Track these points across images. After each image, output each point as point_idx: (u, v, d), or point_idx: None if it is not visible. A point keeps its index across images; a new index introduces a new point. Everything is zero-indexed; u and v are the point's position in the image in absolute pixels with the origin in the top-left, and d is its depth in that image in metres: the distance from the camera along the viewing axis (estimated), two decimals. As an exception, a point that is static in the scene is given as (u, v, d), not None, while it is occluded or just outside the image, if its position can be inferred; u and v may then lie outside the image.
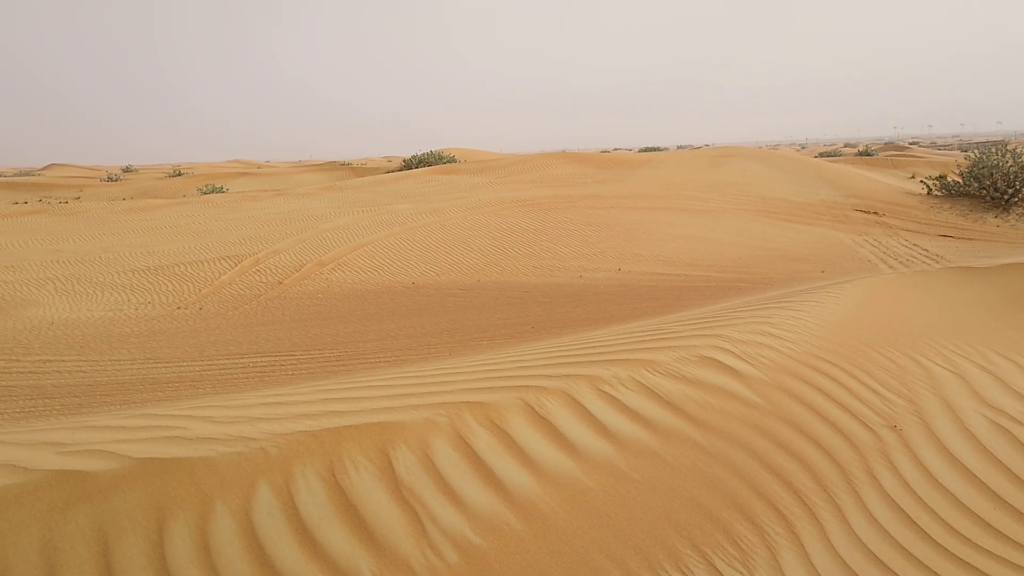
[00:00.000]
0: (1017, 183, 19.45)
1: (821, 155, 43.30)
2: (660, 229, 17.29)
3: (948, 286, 5.46)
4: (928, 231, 18.00)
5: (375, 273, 13.97)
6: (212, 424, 2.87)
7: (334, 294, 12.57)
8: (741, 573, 2.75)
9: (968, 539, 3.07)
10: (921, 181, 22.76)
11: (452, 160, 37.08)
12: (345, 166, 48.26)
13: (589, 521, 2.74)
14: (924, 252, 15.19)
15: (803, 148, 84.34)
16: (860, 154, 42.61)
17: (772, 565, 2.81)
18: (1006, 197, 19.43)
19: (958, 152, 33.35)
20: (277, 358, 7.91)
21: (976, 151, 22.07)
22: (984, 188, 19.87)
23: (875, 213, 19.70)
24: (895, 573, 2.85)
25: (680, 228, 17.49)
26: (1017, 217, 19.16)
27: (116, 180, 49.55)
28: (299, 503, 2.49)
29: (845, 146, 72.90)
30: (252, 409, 3.10)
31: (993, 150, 20.92)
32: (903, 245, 16.12)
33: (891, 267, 13.25)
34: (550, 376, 3.51)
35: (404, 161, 41.75)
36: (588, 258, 14.66)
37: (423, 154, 40.64)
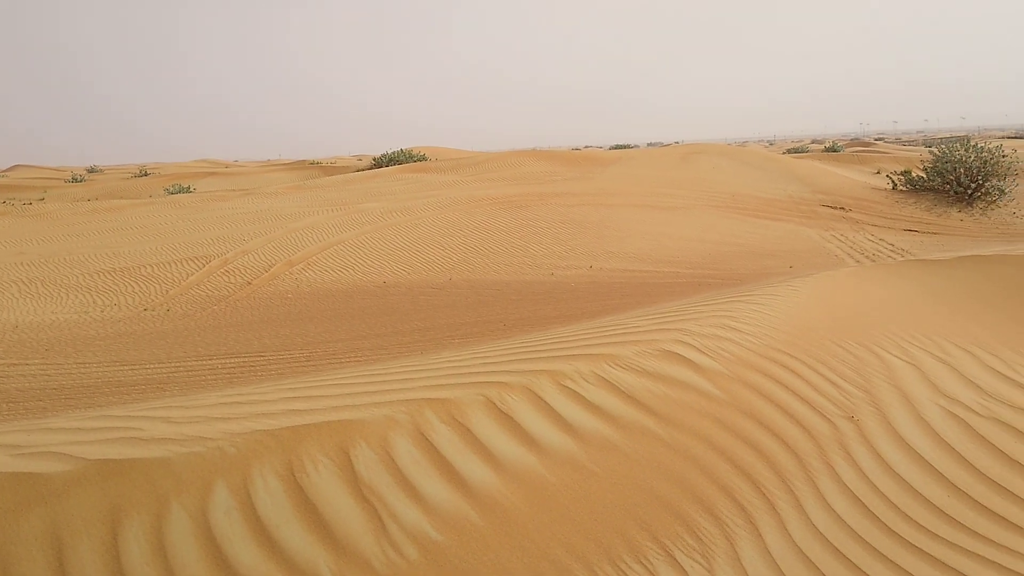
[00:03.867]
0: (980, 178, 19.75)
1: (789, 151, 43.70)
2: (631, 226, 17.37)
3: (906, 279, 5.54)
4: (894, 226, 18.24)
5: (345, 272, 13.91)
6: (169, 424, 2.85)
7: (304, 294, 12.50)
8: (700, 564, 2.77)
9: (924, 527, 3.12)
10: (887, 176, 23.04)
11: (422, 158, 36.97)
12: (314, 165, 47.93)
13: (550, 515, 2.76)
14: (890, 247, 15.38)
15: (771, 144, 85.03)
16: (827, 150, 43.05)
17: (731, 556, 2.84)
18: (969, 192, 19.73)
19: (923, 148, 33.77)
20: (246, 359, 7.86)
21: (940, 147, 22.38)
22: (948, 183, 20.16)
23: (842, 208, 19.93)
24: (852, 562, 2.89)
25: (650, 225, 17.58)
26: (980, 211, 19.46)
27: (81, 181, 48.90)
28: (257, 502, 2.48)
29: (812, 142, 73.60)
30: (211, 409, 3.08)
31: (956, 145, 21.22)
32: (869, 240, 16.32)
33: (857, 262, 13.41)
34: (513, 372, 3.52)
35: (374, 160, 41.53)
36: (560, 255, 14.70)
37: (393, 152, 40.46)
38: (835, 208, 20.01)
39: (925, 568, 2.91)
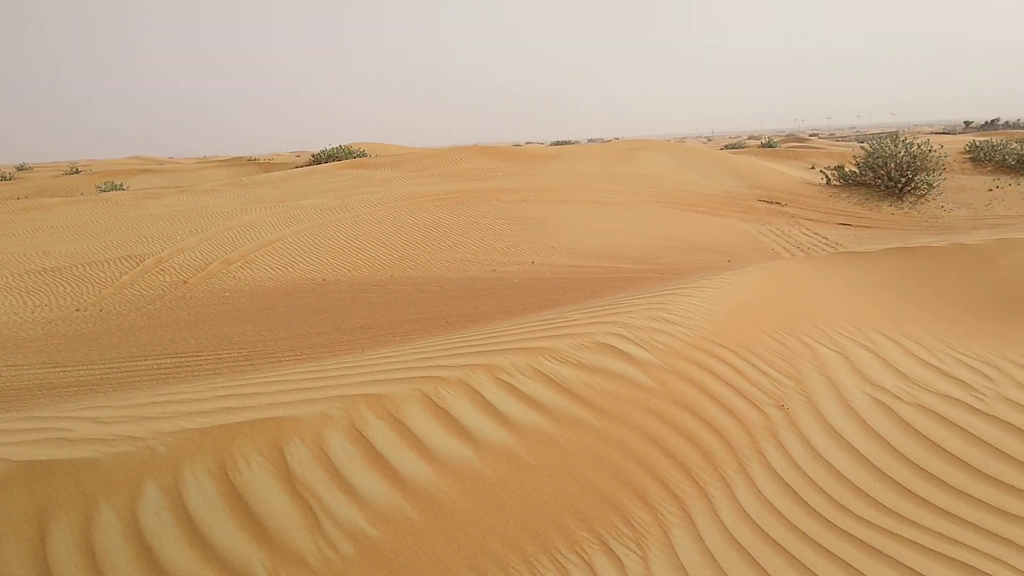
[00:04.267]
0: (909, 172, 20.32)
1: (726, 147, 44.34)
2: (572, 221, 17.47)
3: (835, 271, 5.69)
4: (828, 220, 18.66)
5: (285, 270, 13.74)
6: (98, 425, 2.80)
7: (242, 293, 12.32)
8: (635, 553, 2.82)
9: (849, 510, 3.21)
10: (821, 171, 23.56)
11: (362, 154, 36.63)
12: (251, 162, 47.15)
13: (486, 508, 2.78)
14: (824, 240, 15.74)
15: (709, 140, 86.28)
16: (763, 146, 43.79)
17: (664, 543, 2.90)
18: (899, 186, 20.29)
19: (855, 143, 34.63)
20: (183, 359, 7.73)
21: (871, 142, 22.97)
22: (879, 178, 20.70)
23: (778, 203, 20.32)
24: (780, 546, 2.97)
25: (592, 220, 17.71)
26: (910, 205, 20.02)
27: (9, 179, 47.38)
28: (188, 502, 2.45)
29: (749, 138, 74.84)
30: (141, 409, 3.03)
31: (887, 141, 21.80)
32: (804, 234, 16.67)
33: (793, 255, 13.70)
34: (449, 367, 3.53)
35: (313, 156, 40.97)
36: (502, 251, 14.72)
37: (332, 149, 39.98)
38: (771, 203, 20.40)
39: (850, 550, 3.00)
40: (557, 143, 65.72)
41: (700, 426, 3.52)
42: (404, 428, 3.00)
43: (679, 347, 4.05)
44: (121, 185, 33.38)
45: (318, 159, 38.90)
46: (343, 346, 7.58)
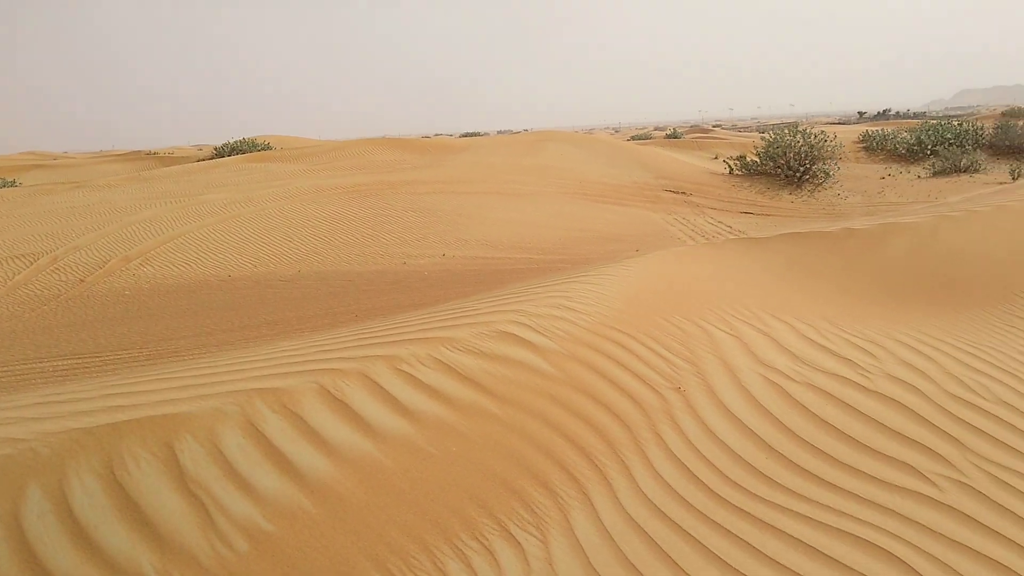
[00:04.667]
0: (807, 162, 21.04)
1: (633, 138, 45.06)
2: (482, 213, 17.49)
3: (731, 256, 5.87)
4: (731, 209, 19.17)
5: (188, 267, 13.37)
6: (-24, 428, 2.69)
7: (143, 291, 11.94)
8: (535, 536, 2.86)
9: (742, 487, 3.33)
10: (724, 161, 24.18)
11: (267, 147, 35.82)
12: (151, 156, 45.57)
13: (386, 499, 2.77)
14: (728, 228, 16.17)
15: (617, 132, 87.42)
16: (669, 137, 44.66)
17: (564, 526, 2.95)
18: (798, 175, 20.99)
19: (756, 133, 35.63)
20: (80, 360, 7.46)
21: (771, 132, 23.68)
22: (779, 167, 21.37)
23: (683, 193, 20.77)
24: (677, 524, 3.06)
25: (502, 212, 17.76)
26: (808, 193, 20.73)
27: None
28: (74, 504, 2.38)
29: (655, 129, 76.13)
30: (25, 410, 2.92)
31: (786, 131, 22.51)
32: (709, 223, 17.09)
33: (698, 243, 14.02)
34: (348, 359, 3.50)
35: (215, 149, 39.82)
36: (412, 244, 14.64)
37: (236, 142, 38.99)
38: (677, 193, 20.83)
39: (743, 525, 3.11)
40: (467, 135, 65.65)
41: (599, 410, 3.58)
42: (301, 421, 2.97)
43: (579, 334, 4.11)
44: (13, 182, 31.87)
45: (221, 152, 37.85)
46: (250, 343, 7.44)
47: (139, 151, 51.18)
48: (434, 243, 14.73)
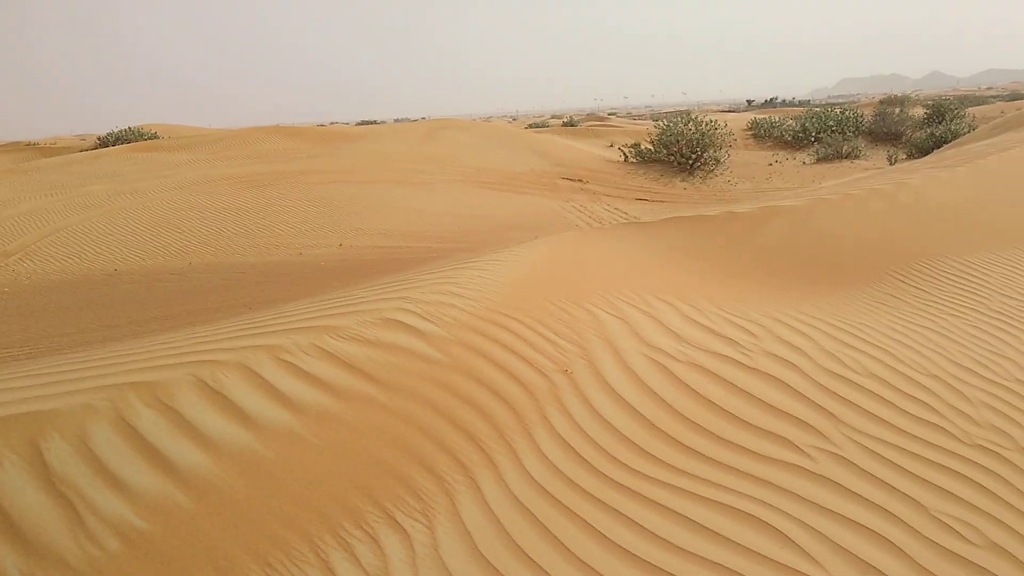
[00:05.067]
0: (699, 149, 21.59)
1: (530, 126, 45.27)
2: (380, 202, 17.32)
3: (618, 240, 5.98)
4: (626, 195, 19.51)
5: (71, 261, 12.82)
6: None
7: (23, 287, 11.39)
8: (421, 522, 2.86)
9: (627, 465, 3.40)
10: (619, 149, 24.57)
11: (154, 136, 34.50)
12: (30, 146, 43.32)
13: (267, 491, 2.73)
14: (624, 215, 16.45)
15: (514, 120, 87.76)
16: (565, 125, 45.07)
17: (450, 511, 2.95)
18: (690, 162, 21.52)
19: (650, 121, 36.38)
20: (-51, 361, 7.07)
21: (665, 120, 24.20)
22: (672, 155, 21.85)
23: (580, 180, 21.02)
24: (562, 503, 3.11)
25: (400, 201, 17.63)
26: (700, 179, 21.29)
27: None
28: (-74, 510, 2.26)
29: (552, 117, 76.69)
30: None
31: (678, 119, 23.05)
32: (605, 209, 17.35)
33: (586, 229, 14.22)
34: (228, 350, 3.42)
35: (99, 139, 38.12)
36: (307, 235, 14.39)
37: (121, 131, 37.41)
38: (574, 180, 21.07)
39: (626, 501, 3.18)
40: (363, 123, 64.77)
41: (487, 395, 3.60)
42: (176, 415, 2.88)
43: (467, 319, 4.12)
44: None
45: (105, 142, 36.21)
46: (138, 339, 7.19)
47: (18, 142, 48.53)
48: (330, 233, 14.52)
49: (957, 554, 3.10)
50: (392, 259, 11.94)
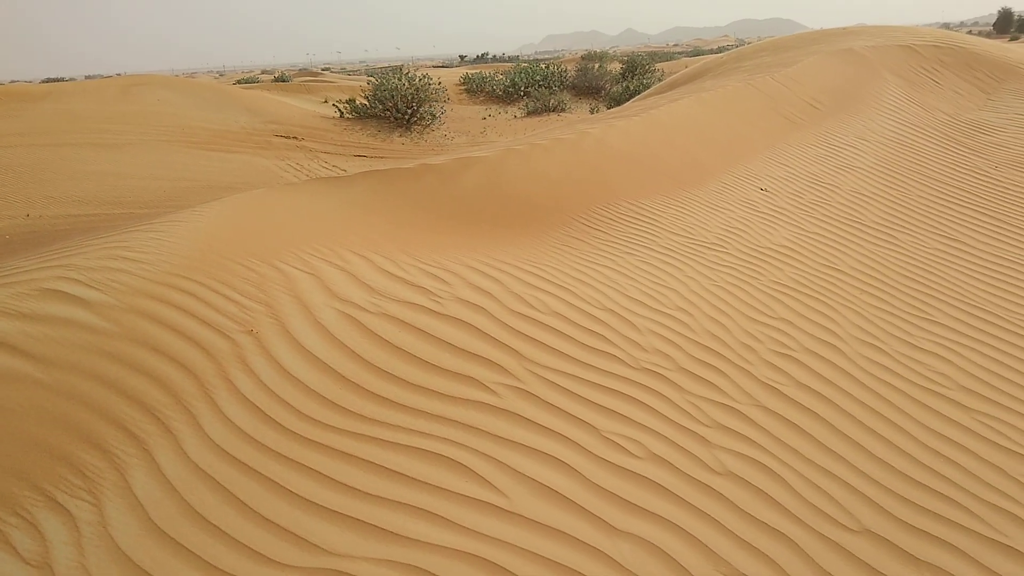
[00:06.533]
0: (415, 104, 21.71)
1: (239, 83, 43.14)
2: (71, 167, 15.76)
3: (312, 196, 5.88)
4: (345, 152, 19.23)
5: None
6: None
7: None
8: (87, 501, 2.70)
9: (317, 420, 3.40)
10: (334, 105, 24.09)
11: None
12: None
13: None
14: (343, 172, 16.19)
15: (221, 76, 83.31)
16: (276, 80, 43.45)
17: (121, 486, 2.81)
18: (407, 117, 21.59)
19: (365, 77, 36.03)
20: None
21: (379, 76, 24.06)
22: (388, 110, 21.79)
23: (295, 138, 20.40)
24: (246, 465, 3.06)
25: (94, 164, 16.14)
26: (418, 134, 21.45)
27: None
28: None
29: (263, 73, 73.68)
30: None
31: (392, 75, 22.99)
32: (324, 167, 16.99)
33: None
34: None
35: None
36: (-15, 205, 12.83)
37: None
38: (288, 138, 20.40)
39: (317, 456, 3.19)
40: (48, 80, 58.61)
41: (163, 362, 3.43)
42: None
43: (140, 285, 3.87)
44: None
45: None
46: None
47: None
48: (15, 203, 13.01)
49: (623, 467, 3.42)
50: (88, 228, 10.92)
